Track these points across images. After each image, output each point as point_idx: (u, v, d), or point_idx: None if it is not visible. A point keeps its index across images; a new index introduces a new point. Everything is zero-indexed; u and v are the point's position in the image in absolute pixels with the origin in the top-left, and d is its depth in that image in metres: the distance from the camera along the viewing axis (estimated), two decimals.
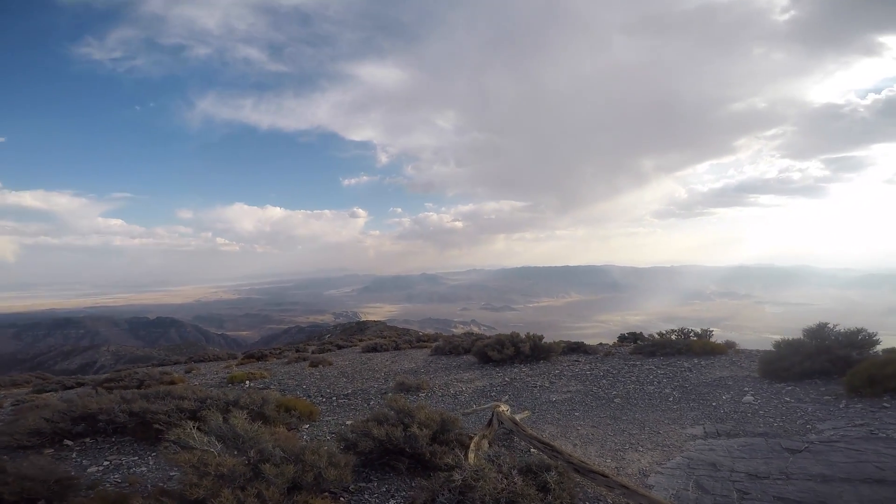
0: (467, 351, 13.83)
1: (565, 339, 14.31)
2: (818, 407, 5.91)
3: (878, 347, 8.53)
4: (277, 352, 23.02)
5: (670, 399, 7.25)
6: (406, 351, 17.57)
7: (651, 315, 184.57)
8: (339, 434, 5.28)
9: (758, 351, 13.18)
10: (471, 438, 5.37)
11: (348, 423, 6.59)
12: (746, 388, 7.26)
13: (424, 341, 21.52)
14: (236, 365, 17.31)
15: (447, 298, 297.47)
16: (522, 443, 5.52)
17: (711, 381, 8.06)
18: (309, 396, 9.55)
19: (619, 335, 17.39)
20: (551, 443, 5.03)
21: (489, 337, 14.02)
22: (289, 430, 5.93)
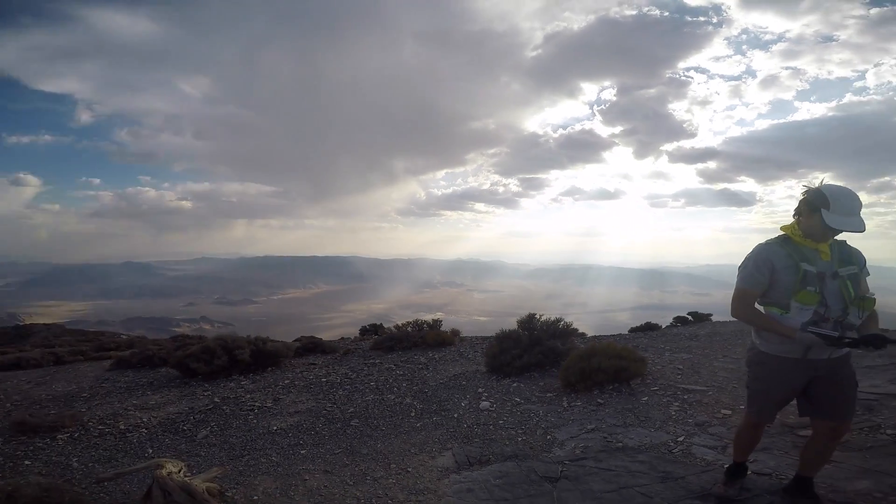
0: (165, 362, 10.15)
1: (311, 334, 12.62)
2: (547, 409, 5.91)
3: (574, 328, 10.05)
4: None
5: (412, 414, 6.30)
6: (73, 365, 12.11)
7: (392, 303, 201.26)
8: None
9: (476, 338, 14.58)
10: None
11: None
12: (480, 389, 7.02)
13: (112, 349, 15.72)
14: None
15: (166, 292, 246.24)
16: None
17: (448, 380, 7.66)
18: None
19: (361, 327, 16.86)
20: None
21: (196, 342, 10.69)
22: None
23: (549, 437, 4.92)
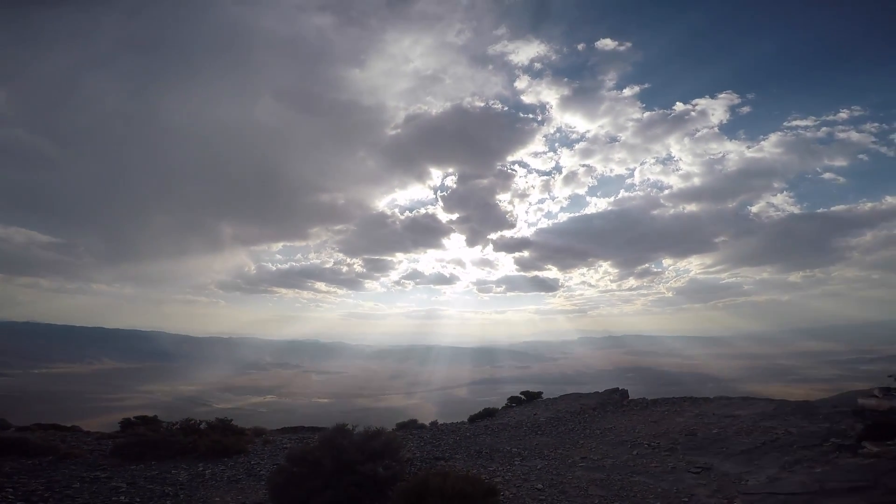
0: None
1: (81, 417, 8.41)
2: None
3: (411, 418, 7.95)
4: None
5: None
6: None
7: (208, 385, 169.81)
8: None
9: (286, 434, 11.52)
10: None
11: None
12: None
13: None
14: None
15: None
16: None
17: None
18: None
19: (123, 419, 13.18)
20: None
21: None
22: None
23: None
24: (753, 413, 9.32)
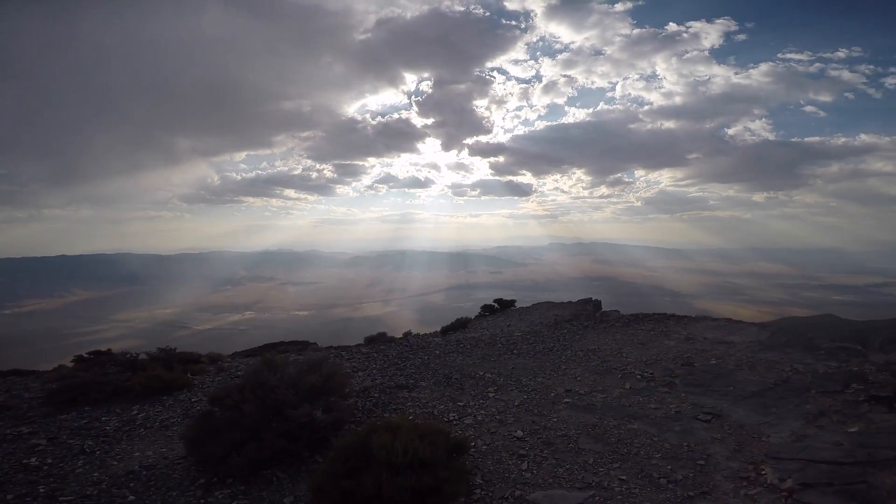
0: None
1: (63, 356, 10.41)
2: None
3: (356, 381, 6.80)
4: None
5: None
6: None
7: (184, 306, 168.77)
8: None
9: (243, 359, 10.69)
10: None
11: None
12: None
13: None
14: None
15: None
16: None
17: (108, 486, 4.12)
18: None
19: (75, 356, 11.89)
20: None
21: None
22: None
23: None
24: (748, 341, 8.30)
